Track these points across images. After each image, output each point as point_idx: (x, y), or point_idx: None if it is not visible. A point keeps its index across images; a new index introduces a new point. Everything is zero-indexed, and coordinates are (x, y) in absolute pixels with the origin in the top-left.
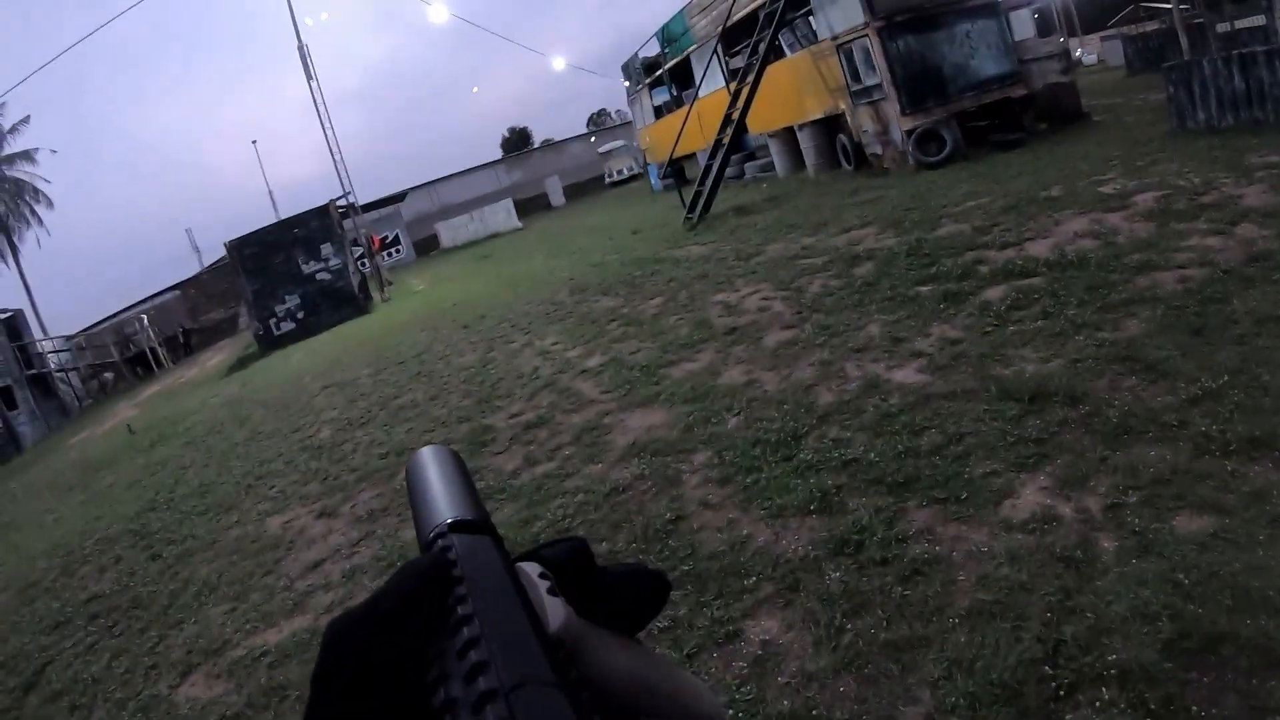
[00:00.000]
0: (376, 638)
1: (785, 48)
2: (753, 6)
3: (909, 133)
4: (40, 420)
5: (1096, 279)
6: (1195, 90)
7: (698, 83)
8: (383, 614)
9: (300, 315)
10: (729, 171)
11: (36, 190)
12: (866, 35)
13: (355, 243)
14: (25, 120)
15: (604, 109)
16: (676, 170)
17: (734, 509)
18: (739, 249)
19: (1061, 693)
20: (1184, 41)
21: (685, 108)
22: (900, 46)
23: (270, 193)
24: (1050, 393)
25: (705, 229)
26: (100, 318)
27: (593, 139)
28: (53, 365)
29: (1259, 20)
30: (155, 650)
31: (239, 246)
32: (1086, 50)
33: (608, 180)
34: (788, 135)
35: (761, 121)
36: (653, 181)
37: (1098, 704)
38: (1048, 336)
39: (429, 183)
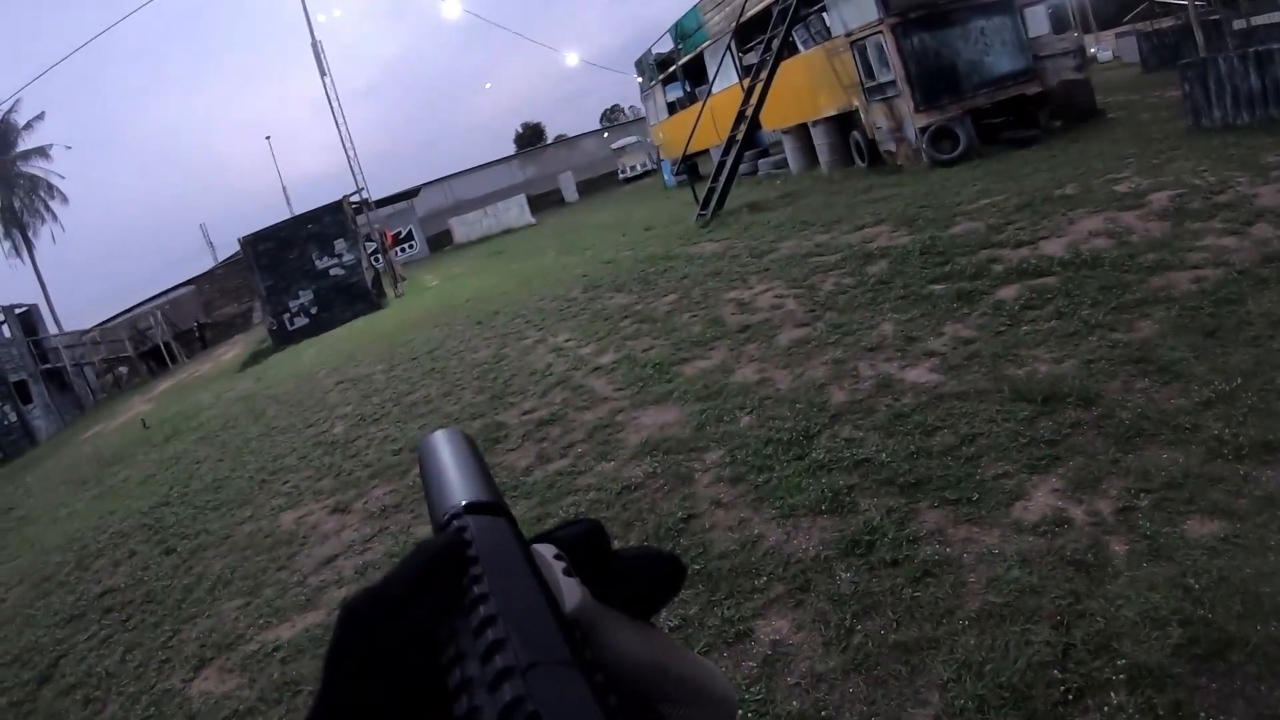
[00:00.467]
0: (390, 617)
1: (799, 44)
2: (766, 2)
3: (923, 130)
4: (55, 414)
5: (1110, 279)
6: (1211, 88)
7: (711, 79)
8: (397, 593)
9: (314, 311)
10: (742, 168)
11: (51, 186)
12: (880, 32)
13: (369, 238)
14: (40, 116)
15: (617, 105)
16: (690, 166)
17: (746, 508)
18: (752, 246)
19: (1070, 696)
20: (1199, 38)
21: (699, 104)
22: (914, 43)
23: (284, 188)
24: (1063, 394)
25: (718, 226)
26: (115, 312)
27: (606, 135)
28: (67, 360)
29: (1276, 17)
30: (168, 644)
31: (253, 242)
32: (1101, 47)
33: (621, 176)
34: (801, 132)
35: (775, 118)
36: (666, 178)
37: (1106, 708)
38: (1061, 337)
39: (442, 178)
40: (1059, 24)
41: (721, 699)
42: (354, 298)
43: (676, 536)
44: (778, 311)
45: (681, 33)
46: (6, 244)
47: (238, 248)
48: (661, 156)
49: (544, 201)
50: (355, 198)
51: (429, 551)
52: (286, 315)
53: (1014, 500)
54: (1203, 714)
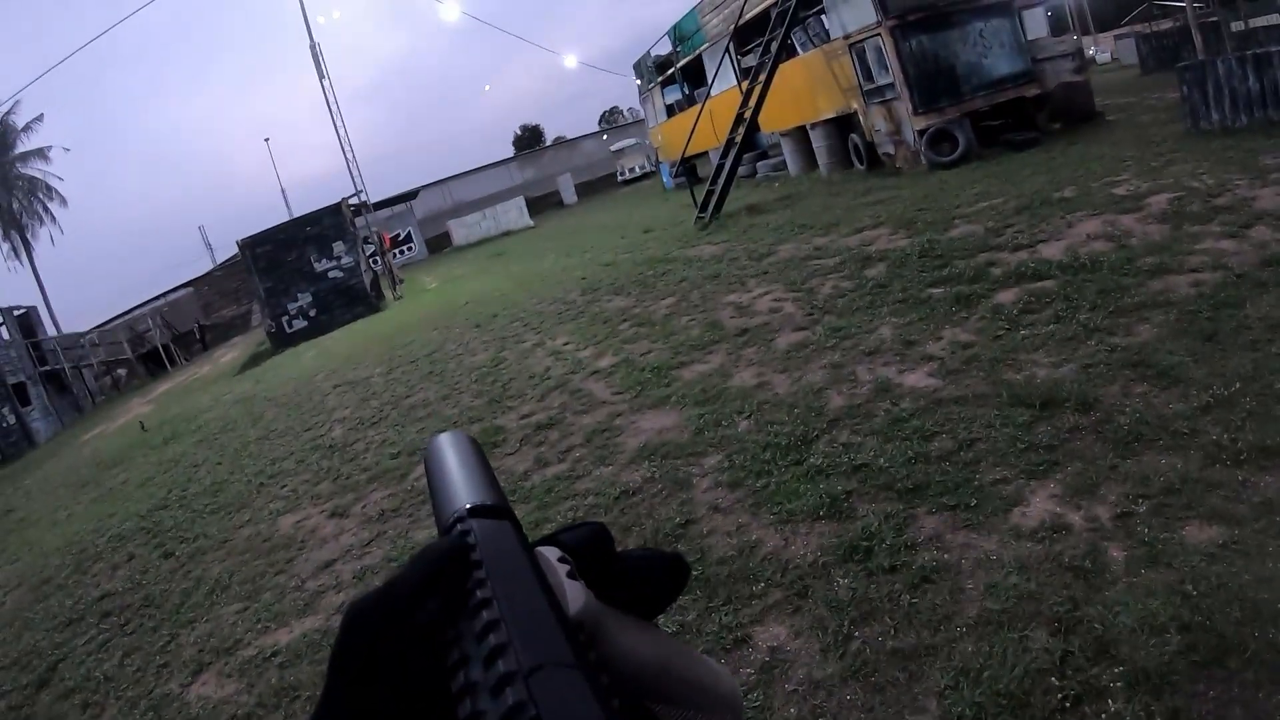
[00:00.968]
0: (394, 620)
1: (797, 46)
2: (765, 5)
3: (921, 132)
4: (54, 416)
5: (1109, 282)
6: (1209, 90)
7: (710, 81)
8: (401, 596)
9: (313, 313)
10: (741, 170)
11: (50, 188)
12: (879, 34)
13: (367, 240)
14: (39, 118)
15: (616, 107)
16: (689, 169)
17: (744, 513)
18: (751, 249)
19: (1068, 704)
20: (1198, 40)
21: (697, 106)
22: (913, 46)
23: (283, 191)
24: (1061, 399)
25: (717, 228)
26: (113, 315)
27: (605, 137)
28: (66, 362)
29: (1275, 19)
30: (167, 649)
31: (252, 245)
32: (1100, 49)
33: (620, 178)
34: (800, 134)
35: (774, 120)
36: (665, 180)
37: (1105, 715)
38: (1060, 341)
39: (441, 180)
40: (1057, 26)
41: (727, 700)
42: (353, 300)
43: (674, 542)
44: (776, 315)
45: (680, 35)
46: (5, 246)
47: (236, 250)
48: (660, 159)
49: (543, 203)
50: (354, 200)
51: (433, 555)
52: (285, 318)
53: (1012, 506)
54: None
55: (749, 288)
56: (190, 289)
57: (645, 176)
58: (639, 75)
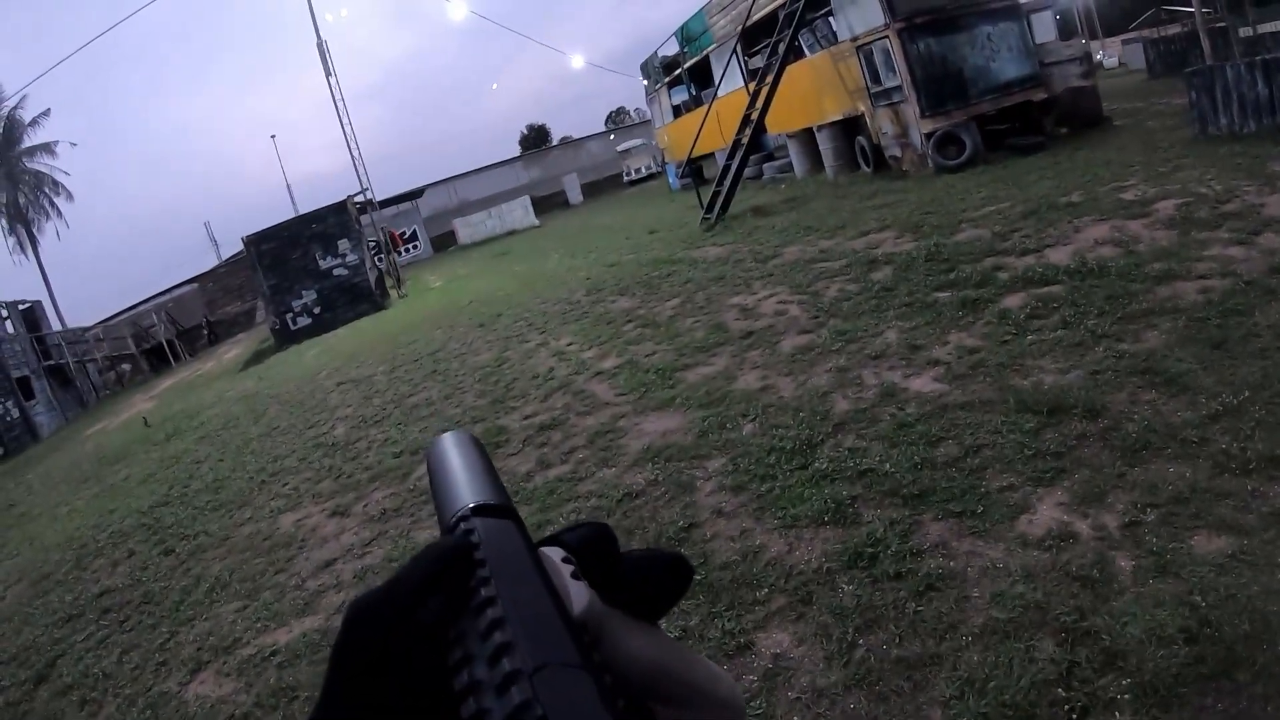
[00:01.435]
0: (398, 617)
1: (805, 48)
2: (772, 6)
3: (928, 135)
4: (57, 411)
5: (1117, 288)
6: (1218, 96)
7: (717, 82)
8: (404, 594)
9: (317, 310)
10: (747, 172)
11: (56, 183)
12: (887, 36)
13: (374, 240)
14: (46, 113)
15: (623, 107)
16: (695, 170)
17: (747, 518)
18: (756, 251)
19: (1075, 716)
20: (1206, 45)
21: (704, 107)
22: (921, 48)
23: (289, 187)
24: (1069, 405)
25: (723, 230)
26: (119, 310)
27: (611, 137)
28: (70, 357)
29: None
30: (165, 646)
31: (257, 241)
32: (1107, 53)
33: (626, 179)
34: (806, 136)
35: (780, 122)
36: (671, 181)
37: None
38: (1067, 347)
39: (447, 179)
40: (1065, 30)
41: (728, 703)
42: (357, 298)
43: (677, 546)
44: (781, 318)
45: (687, 36)
46: (11, 240)
47: (241, 247)
48: (666, 160)
49: (549, 203)
50: (359, 198)
51: (436, 553)
52: (289, 315)
53: (1019, 513)
54: None
55: (754, 290)
56: (195, 285)
57: (651, 177)
58: (646, 76)
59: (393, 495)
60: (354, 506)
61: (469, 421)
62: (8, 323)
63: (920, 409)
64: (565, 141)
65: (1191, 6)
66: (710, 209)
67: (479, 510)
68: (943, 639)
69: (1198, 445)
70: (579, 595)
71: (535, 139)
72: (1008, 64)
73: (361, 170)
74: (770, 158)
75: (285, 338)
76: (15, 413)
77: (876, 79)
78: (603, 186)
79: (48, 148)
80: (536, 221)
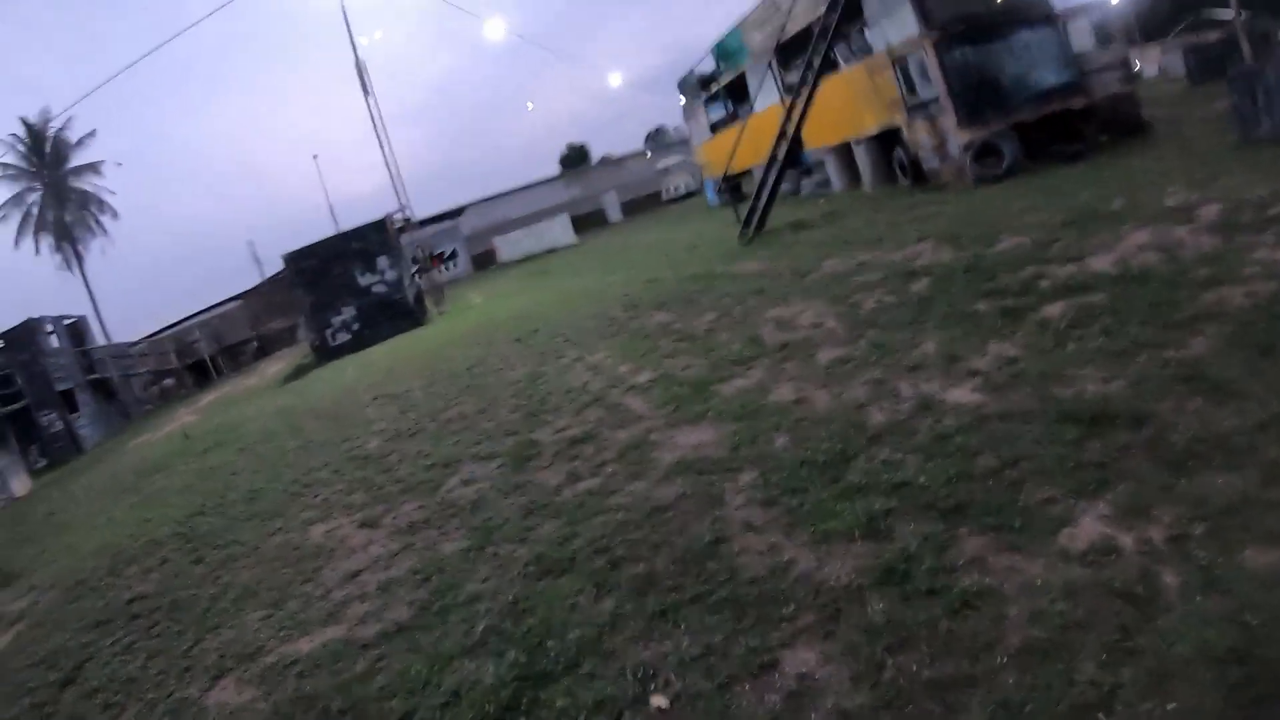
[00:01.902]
0: None
1: (840, 61)
2: (808, 21)
3: (967, 146)
4: (101, 423)
5: (1160, 295)
6: (1259, 99)
7: (753, 98)
8: None
9: (356, 327)
10: (786, 187)
11: (102, 201)
12: (922, 47)
13: (414, 258)
14: (92, 134)
15: (662, 125)
16: (733, 186)
17: (777, 532)
18: (794, 265)
19: None
20: (1247, 49)
21: (741, 123)
22: (957, 58)
23: (330, 207)
24: (1112, 415)
25: (760, 245)
26: (164, 325)
27: (649, 155)
28: (114, 371)
29: None
30: (190, 653)
31: (297, 259)
32: (1147, 63)
33: (665, 197)
34: (844, 150)
35: (818, 136)
36: (710, 197)
37: None
38: (1110, 355)
39: (488, 198)
40: (1104, 37)
41: None
42: (396, 315)
43: (704, 560)
44: (818, 330)
45: (723, 52)
46: (58, 257)
47: (283, 265)
48: (705, 176)
49: (588, 221)
50: (398, 216)
51: None
52: (329, 331)
53: (1060, 527)
54: None
55: (791, 303)
56: (240, 302)
57: (690, 195)
58: (683, 93)
59: (421, 508)
60: (383, 519)
61: (501, 435)
62: (53, 337)
63: (958, 420)
64: (605, 160)
65: (1230, 12)
66: (748, 224)
67: None
68: (977, 659)
69: (1246, 454)
70: None
71: (575, 158)
72: (1046, 72)
73: (400, 189)
74: (809, 172)
75: (325, 354)
76: (59, 425)
77: (913, 90)
78: (642, 205)
79: (94, 167)
80: (575, 239)
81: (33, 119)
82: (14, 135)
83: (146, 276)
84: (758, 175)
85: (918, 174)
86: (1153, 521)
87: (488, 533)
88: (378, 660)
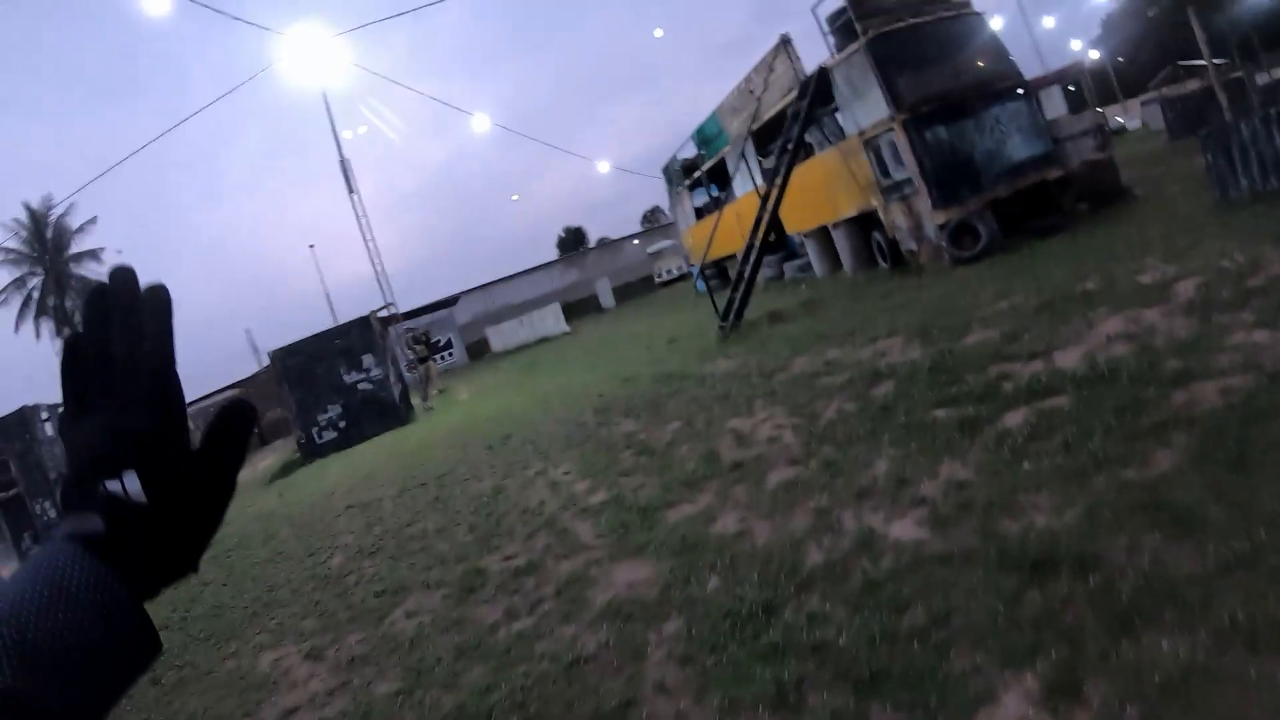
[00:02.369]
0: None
1: (815, 146)
2: (781, 106)
3: (942, 227)
4: None
5: (1128, 396)
6: (1235, 156)
7: (732, 184)
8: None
9: (342, 425)
10: (769, 272)
11: None
12: (893, 129)
13: (410, 345)
14: (93, 220)
15: (658, 206)
16: (719, 271)
17: (688, 697)
18: (764, 364)
19: None
20: (1223, 99)
21: (720, 210)
22: (929, 138)
23: (327, 295)
24: (1057, 558)
25: (737, 339)
26: None
27: (635, 242)
28: None
29: None
30: None
31: (283, 356)
32: (1129, 116)
33: (657, 280)
34: (824, 235)
35: (796, 221)
36: (697, 284)
37: None
38: (1066, 477)
39: (482, 286)
40: (1076, 103)
41: None
42: (381, 412)
43: None
44: (773, 445)
45: (703, 138)
46: (58, 342)
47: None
48: (691, 262)
49: (582, 307)
50: (383, 312)
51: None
52: (315, 429)
53: (979, 705)
54: None
55: (754, 411)
56: (237, 391)
57: (682, 278)
58: (668, 179)
59: (364, 641)
60: (328, 650)
61: (453, 560)
62: (47, 424)
63: (895, 562)
64: (602, 243)
65: (1205, 60)
66: (725, 316)
67: None
68: None
69: (1200, 609)
70: None
71: (573, 241)
72: (1019, 145)
73: (385, 284)
74: (792, 256)
75: (311, 451)
76: (51, 513)
77: (886, 173)
78: (635, 289)
79: (94, 254)
80: (568, 328)
81: (35, 204)
82: (16, 220)
83: None
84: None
85: (896, 256)
86: (1082, 703)
87: (420, 675)
88: None
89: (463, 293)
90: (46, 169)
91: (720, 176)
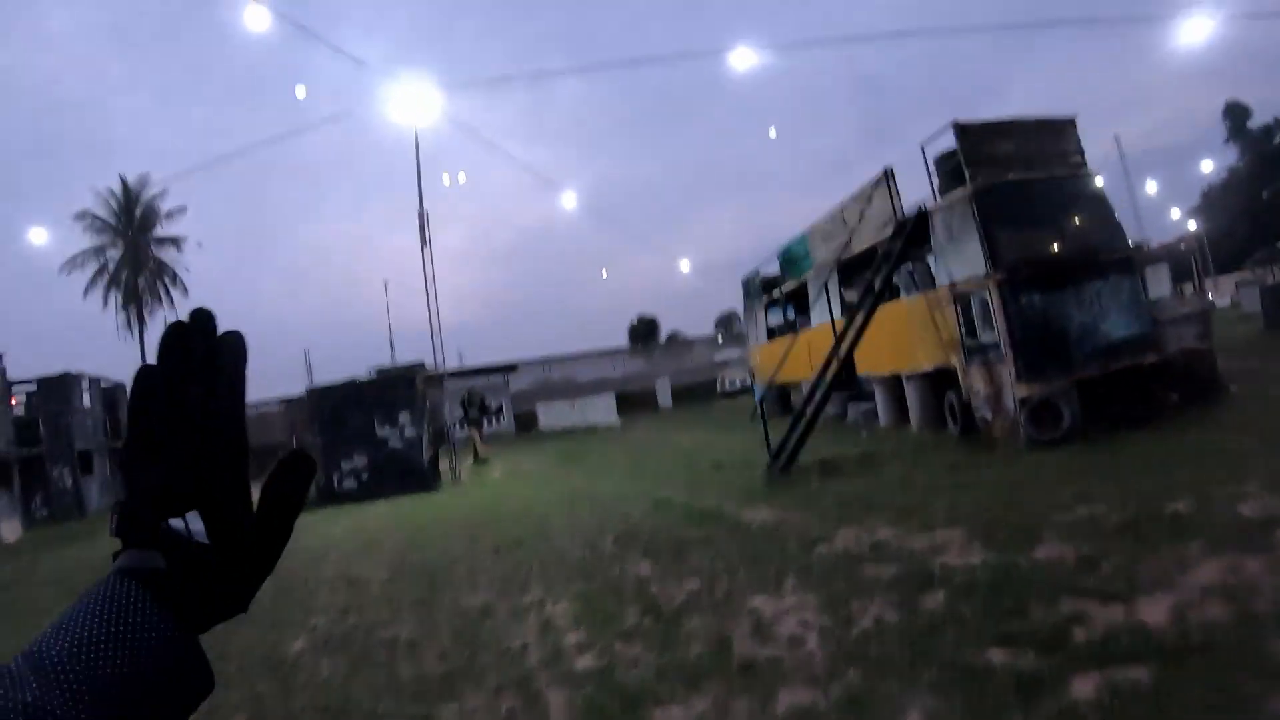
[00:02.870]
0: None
1: (901, 289)
2: (873, 241)
3: (1023, 401)
4: (109, 493)
5: (1218, 685)
6: None
7: (810, 311)
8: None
9: (364, 478)
10: (833, 409)
11: (175, 275)
12: (987, 287)
13: (462, 404)
14: (182, 209)
15: (734, 312)
16: (782, 393)
17: None
18: (806, 527)
19: None
20: None
21: (794, 335)
22: (1023, 303)
23: (390, 335)
24: None
25: (783, 486)
26: None
27: (705, 345)
28: None
29: None
30: None
31: (320, 395)
32: (1219, 294)
33: (719, 389)
34: (894, 383)
35: (869, 362)
36: (759, 405)
37: None
38: None
39: (543, 360)
40: (1182, 284)
41: None
42: (406, 474)
43: None
44: (794, 650)
45: (789, 258)
46: (122, 316)
47: (336, 377)
48: (755, 380)
49: (638, 402)
50: (432, 369)
51: None
52: (337, 475)
53: None
54: None
55: (782, 591)
56: (282, 407)
57: (746, 391)
58: (746, 292)
59: None
60: None
61: (408, 698)
62: (86, 395)
63: None
64: (671, 339)
65: None
66: (777, 455)
67: None
68: None
69: None
70: None
71: (644, 331)
72: (1118, 323)
73: (439, 346)
74: (859, 396)
75: (327, 496)
76: (69, 482)
77: (972, 332)
78: (696, 393)
79: (175, 241)
80: (617, 422)
81: (132, 180)
82: (110, 190)
83: None
84: (805, 391)
85: (968, 423)
86: None
87: None
88: None
89: (522, 362)
90: (155, 150)
91: (799, 301)
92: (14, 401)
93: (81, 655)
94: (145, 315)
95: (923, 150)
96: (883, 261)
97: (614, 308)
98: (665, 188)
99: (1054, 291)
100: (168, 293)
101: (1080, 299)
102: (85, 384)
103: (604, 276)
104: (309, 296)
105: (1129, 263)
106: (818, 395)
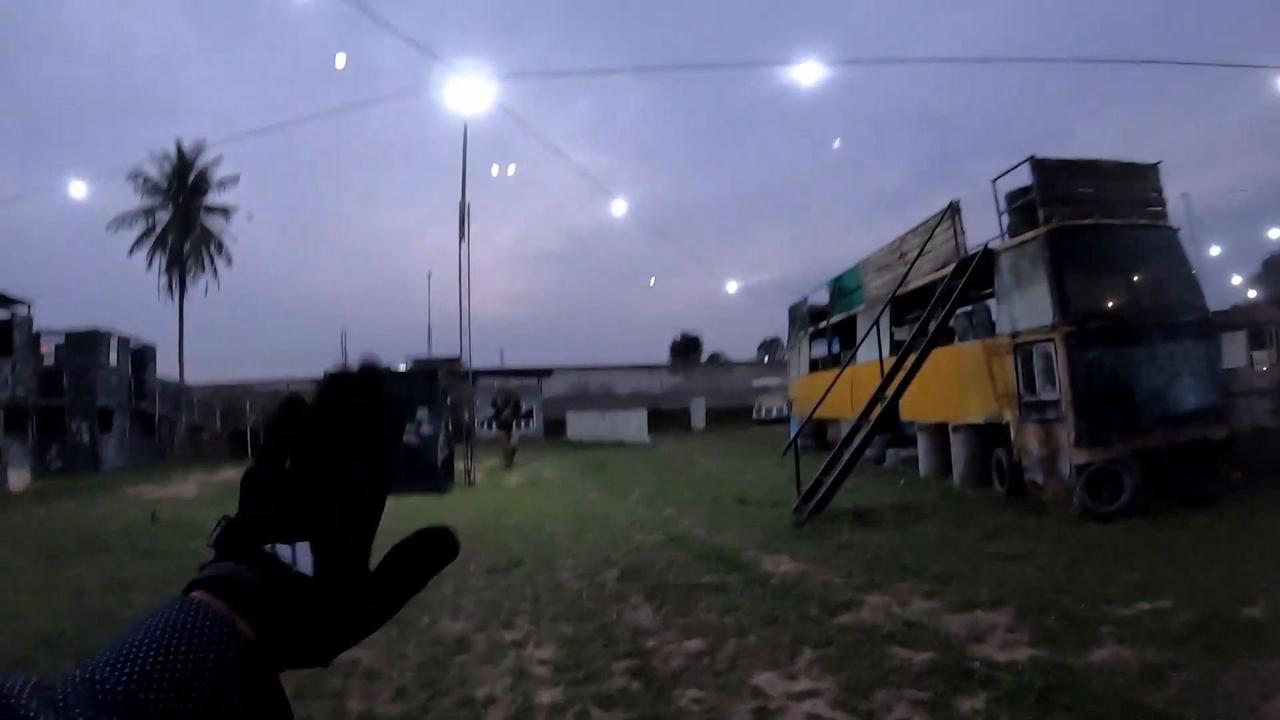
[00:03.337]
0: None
1: (957, 332)
2: (930, 279)
3: (1080, 468)
4: (128, 451)
5: None
6: None
7: (857, 346)
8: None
9: None
10: (871, 452)
11: (221, 243)
12: (1053, 339)
13: (494, 404)
14: (235, 178)
15: (777, 338)
16: (819, 427)
17: None
18: (829, 590)
19: None
20: None
21: (839, 369)
22: (1090, 359)
23: (429, 326)
24: None
25: (812, 532)
26: (230, 381)
27: (745, 370)
28: (160, 408)
29: None
30: None
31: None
32: (1276, 366)
33: (756, 416)
34: (939, 432)
35: (914, 407)
36: (793, 436)
37: None
38: None
39: (580, 367)
40: (1260, 353)
41: None
42: (418, 473)
43: None
44: None
45: (839, 289)
46: (164, 279)
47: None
48: (793, 412)
49: (671, 420)
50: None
51: None
52: None
53: None
54: None
55: (794, 669)
56: (310, 385)
57: (782, 421)
58: (791, 320)
59: None
60: None
61: None
62: (113, 353)
63: None
64: (711, 360)
65: None
66: (807, 499)
67: None
68: None
69: None
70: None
71: (685, 348)
72: (1188, 390)
73: (467, 343)
74: (900, 440)
75: None
76: (85, 437)
77: (1031, 387)
78: (731, 417)
79: (225, 211)
80: (647, 439)
81: (188, 145)
82: (164, 152)
83: (238, 329)
84: (844, 429)
85: (1016, 484)
86: None
87: None
88: None
89: (557, 368)
90: (219, 120)
91: (847, 334)
92: (45, 349)
93: (143, 692)
94: (187, 280)
95: (994, 185)
96: (941, 301)
97: (658, 322)
98: (721, 206)
99: (1124, 350)
100: (212, 261)
101: (1152, 360)
102: (114, 342)
103: (652, 284)
104: (358, 281)
105: (1208, 326)
106: (858, 437)
